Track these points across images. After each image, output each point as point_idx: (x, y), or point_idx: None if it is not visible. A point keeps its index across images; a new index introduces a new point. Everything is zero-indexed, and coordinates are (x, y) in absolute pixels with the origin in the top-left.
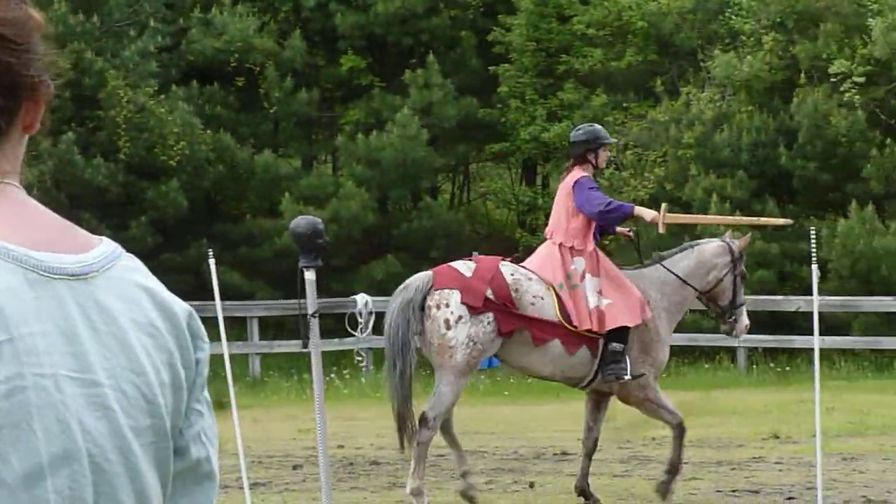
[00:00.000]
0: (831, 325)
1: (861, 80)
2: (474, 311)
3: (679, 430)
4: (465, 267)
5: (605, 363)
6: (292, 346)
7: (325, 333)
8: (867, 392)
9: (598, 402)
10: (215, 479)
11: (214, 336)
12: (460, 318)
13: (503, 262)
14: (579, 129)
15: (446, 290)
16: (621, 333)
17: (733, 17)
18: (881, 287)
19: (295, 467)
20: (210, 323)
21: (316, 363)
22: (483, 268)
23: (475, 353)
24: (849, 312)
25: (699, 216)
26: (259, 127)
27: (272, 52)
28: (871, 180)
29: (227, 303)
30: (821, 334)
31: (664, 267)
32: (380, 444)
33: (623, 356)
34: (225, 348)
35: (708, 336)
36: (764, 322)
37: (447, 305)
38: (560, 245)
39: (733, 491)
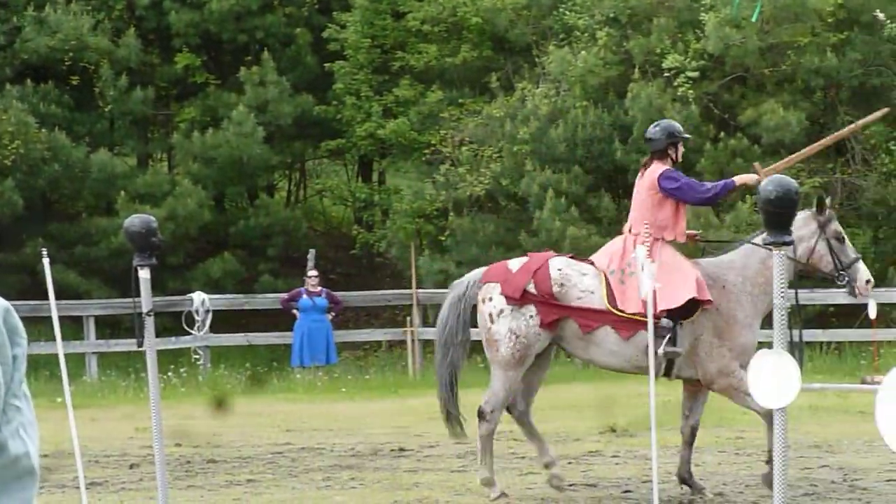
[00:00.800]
0: None
1: (695, 74)
2: (514, 303)
3: (770, 419)
4: (515, 262)
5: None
6: (129, 344)
7: (162, 332)
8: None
9: (693, 392)
10: (36, 475)
11: (50, 336)
12: (501, 311)
13: (556, 257)
14: (657, 126)
15: (490, 284)
16: (673, 314)
17: (567, 12)
18: None
19: (132, 466)
20: (46, 322)
21: (151, 362)
22: (531, 262)
23: (519, 347)
24: None
25: (795, 155)
26: (94, 126)
27: (107, 51)
28: (705, 174)
29: (63, 302)
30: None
31: (752, 244)
32: (217, 443)
33: (673, 333)
34: (60, 348)
35: None
36: None
37: (490, 299)
38: (630, 235)
39: (570, 485)
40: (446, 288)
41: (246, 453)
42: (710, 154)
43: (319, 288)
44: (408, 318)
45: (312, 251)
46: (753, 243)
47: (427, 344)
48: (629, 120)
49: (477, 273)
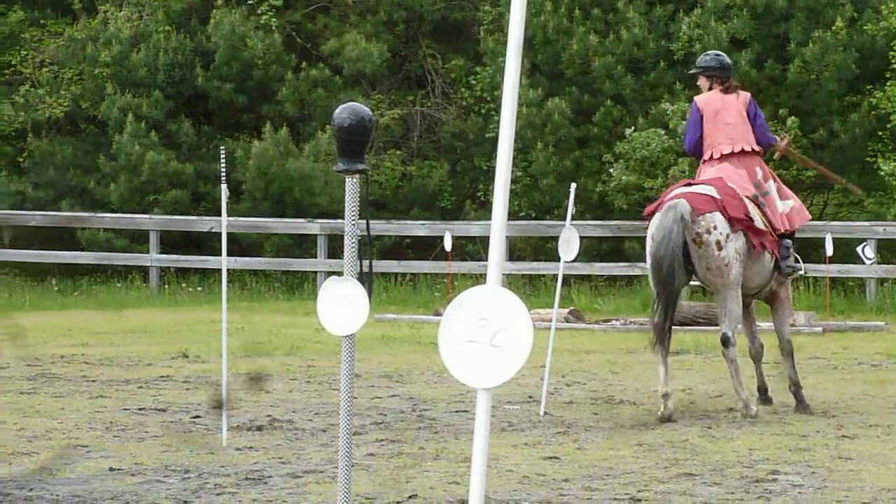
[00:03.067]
0: (244, 246)
1: (278, 3)
2: (735, 228)
3: (790, 345)
4: (705, 190)
5: (782, 260)
6: None
7: None
8: (277, 313)
9: (751, 315)
10: None
11: None
12: (728, 235)
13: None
14: (720, 55)
15: (708, 214)
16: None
17: None
18: (293, 209)
19: None
20: None
21: None
22: (721, 188)
23: (739, 268)
24: (261, 234)
25: (811, 161)
26: None
27: None
28: (286, 103)
29: None
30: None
31: None
32: None
33: (792, 252)
34: None
35: (122, 255)
36: (177, 242)
37: (715, 228)
38: (742, 154)
39: (140, 409)
40: (23, 210)
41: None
42: (292, 83)
43: None
44: None
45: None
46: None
47: (1, 265)
48: (211, 46)
49: (682, 208)
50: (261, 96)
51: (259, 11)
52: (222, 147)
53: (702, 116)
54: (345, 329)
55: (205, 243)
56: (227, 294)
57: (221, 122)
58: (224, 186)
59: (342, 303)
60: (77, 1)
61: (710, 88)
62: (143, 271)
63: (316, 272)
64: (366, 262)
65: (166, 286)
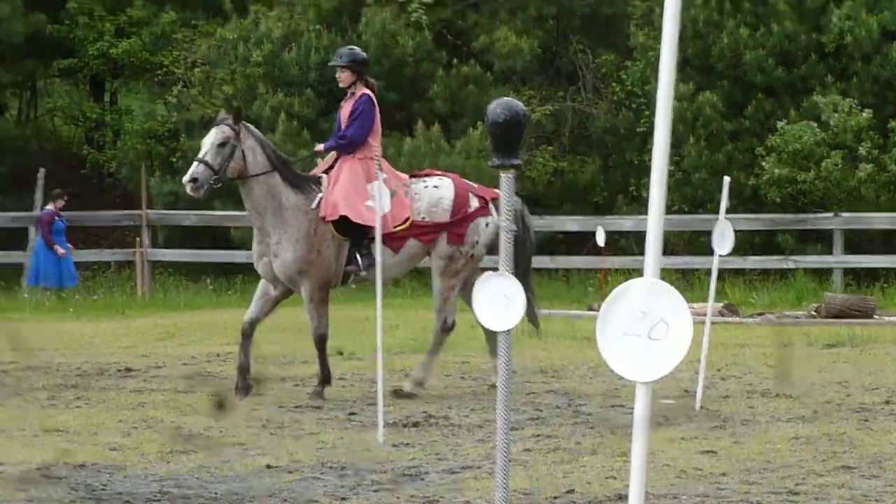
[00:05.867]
0: None
1: (429, 0)
2: None
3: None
4: None
5: None
6: None
7: None
8: (431, 310)
9: None
10: None
11: None
12: None
13: None
14: None
15: None
16: None
17: None
18: None
19: None
20: None
21: None
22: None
23: None
24: None
25: None
26: None
27: None
28: (437, 100)
29: None
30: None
31: None
32: None
33: None
34: None
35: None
36: None
37: None
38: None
39: (296, 406)
40: (177, 209)
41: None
42: (443, 80)
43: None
44: (137, 240)
45: (42, 171)
46: None
47: (156, 265)
48: (362, 44)
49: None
50: (412, 94)
51: (409, 9)
52: (376, 145)
53: None
54: (501, 324)
55: None
56: (381, 291)
57: None
58: (377, 183)
59: (498, 298)
60: (228, 2)
61: None
62: None
63: None
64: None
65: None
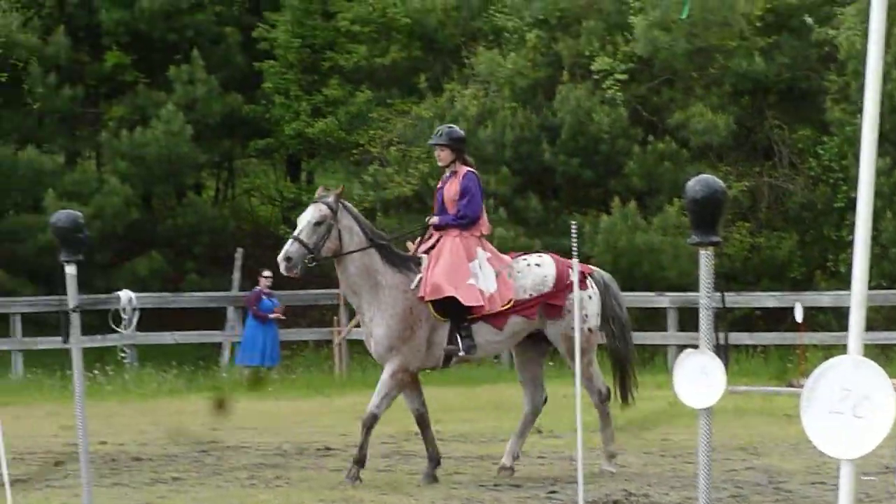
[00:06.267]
0: None
1: (623, 76)
2: None
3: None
4: None
5: None
6: (55, 342)
7: (88, 330)
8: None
9: None
10: None
11: None
12: None
13: None
14: None
15: None
16: None
17: (497, 14)
18: (643, 283)
19: (57, 464)
20: None
21: (76, 359)
22: None
23: None
24: None
25: None
26: (22, 123)
27: (36, 48)
28: (633, 177)
29: None
30: None
31: None
32: (142, 441)
33: None
34: None
35: None
36: None
37: None
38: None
39: (495, 485)
40: None
41: (171, 451)
42: (638, 157)
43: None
44: (335, 318)
45: (240, 251)
46: None
47: (354, 344)
48: (557, 122)
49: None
50: (607, 170)
51: (604, 86)
52: (574, 222)
53: None
54: (702, 401)
55: None
56: (580, 369)
57: (568, 197)
58: (576, 261)
59: (699, 375)
60: (423, 80)
61: None
62: None
63: (666, 345)
64: (722, 335)
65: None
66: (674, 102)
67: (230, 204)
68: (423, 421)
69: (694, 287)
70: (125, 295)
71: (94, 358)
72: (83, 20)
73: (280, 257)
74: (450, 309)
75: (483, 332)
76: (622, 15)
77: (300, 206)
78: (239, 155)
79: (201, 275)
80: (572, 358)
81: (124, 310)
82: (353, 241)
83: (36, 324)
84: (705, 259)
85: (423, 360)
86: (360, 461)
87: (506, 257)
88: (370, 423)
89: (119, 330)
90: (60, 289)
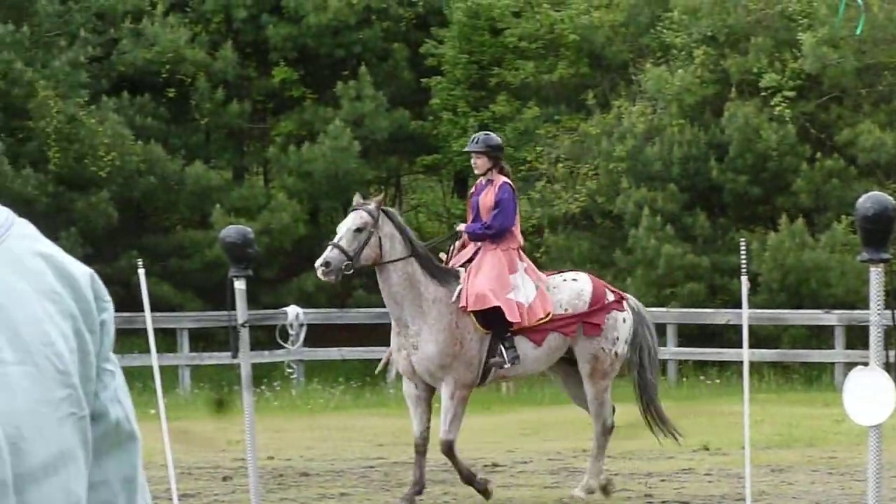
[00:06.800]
0: (761, 337)
1: (791, 94)
2: None
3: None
4: None
5: None
6: (222, 357)
7: (256, 345)
8: (795, 405)
9: None
10: (138, 439)
11: (144, 348)
12: None
13: None
14: None
15: None
16: None
17: (664, 30)
18: (810, 300)
19: (225, 478)
20: (140, 335)
21: (245, 374)
22: None
23: None
24: (778, 326)
25: None
26: (190, 138)
27: (203, 64)
28: (801, 194)
29: (157, 314)
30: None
31: None
32: (309, 456)
33: None
34: (154, 360)
35: None
36: (694, 335)
37: None
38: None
39: (663, 503)
40: None
41: (338, 467)
42: (807, 174)
43: None
44: None
45: None
46: None
47: None
48: (725, 139)
49: None
50: (775, 188)
51: (772, 103)
52: (742, 240)
53: None
54: (871, 419)
55: (721, 335)
56: (748, 384)
57: (736, 214)
58: (745, 279)
59: (868, 393)
60: (591, 97)
61: None
62: (661, 364)
63: (833, 363)
64: (892, 353)
65: (685, 379)
66: (842, 119)
67: None
68: (421, 447)
69: (862, 304)
70: (292, 310)
71: (261, 374)
72: (250, 35)
73: (318, 263)
74: (493, 320)
75: (522, 347)
76: (790, 31)
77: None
78: (406, 171)
79: (368, 290)
80: (590, 378)
81: (291, 325)
82: (394, 249)
83: (203, 339)
84: (875, 276)
85: (476, 374)
86: (469, 480)
87: (540, 273)
88: (448, 450)
89: (286, 346)
90: (228, 302)
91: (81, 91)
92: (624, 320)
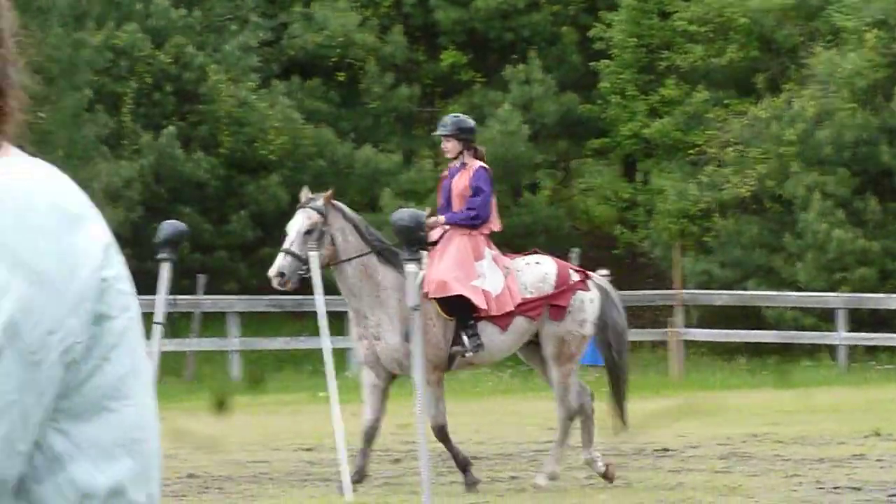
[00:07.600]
0: None
1: None
2: None
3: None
4: None
5: None
6: None
7: None
8: None
9: None
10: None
11: (314, 330)
12: None
13: None
14: None
15: None
16: None
17: (835, 14)
18: None
19: (395, 461)
20: (311, 317)
21: (418, 357)
22: None
23: None
24: None
25: None
26: (359, 122)
27: (373, 48)
28: None
29: (329, 297)
30: None
31: None
32: (479, 440)
33: None
34: (326, 343)
35: (809, 334)
36: (865, 320)
37: None
38: None
39: (835, 488)
40: (710, 289)
41: (508, 450)
42: None
43: None
44: (670, 319)
45: (576, 251)
46: None
47: (689, 345)
48: (893, 123)
49: None
50: None
51: None
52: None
53: None
54: None
55: (893, 321)
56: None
57: None
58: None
59: None
60: (761, 80)
61: None
62: (831, 349)
63: None
64: None
65: (855, 364)
66: None
67: (566, 204)
68: (369, 436)
69: None
70: None
71: None
72: (419, 19)
73: (272, 273)
74: (455, 308)
75: (487, 333)
76: None
77: (636, 207)
78: (575, 154)
79: None
80: (555, 361)
81: None
82: (347, 244)
83: None
84: None
85: (444, 357)
86: (463, 466)
87: (507, 259)
88: (441, 434)
89: None
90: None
91: (252, 75)
92: (591, 300)
